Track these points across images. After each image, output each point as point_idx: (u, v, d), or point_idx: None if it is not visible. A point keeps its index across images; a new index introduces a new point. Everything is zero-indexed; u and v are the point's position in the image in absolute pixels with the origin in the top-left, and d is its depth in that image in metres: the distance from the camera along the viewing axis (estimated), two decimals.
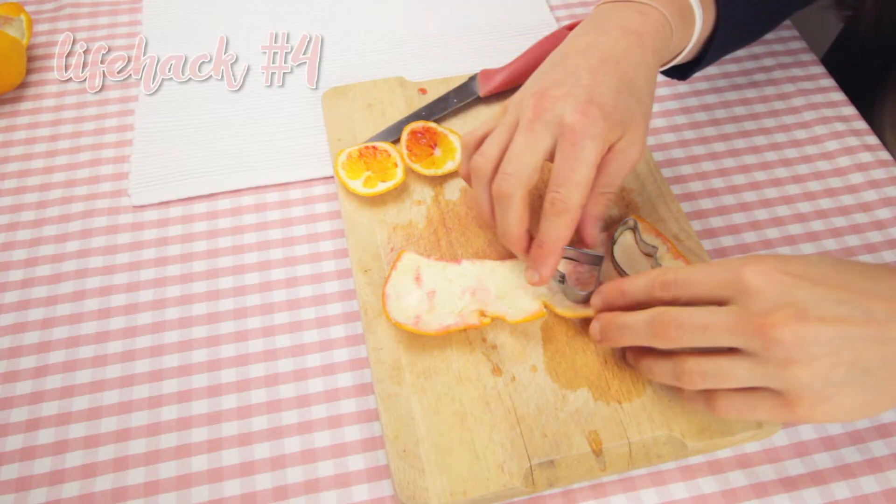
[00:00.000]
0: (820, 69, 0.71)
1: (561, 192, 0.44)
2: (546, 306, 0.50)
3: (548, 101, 0.45)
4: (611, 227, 0.55)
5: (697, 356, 0.41)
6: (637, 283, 0.45)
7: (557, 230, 0.46)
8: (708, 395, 0.42)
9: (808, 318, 0.36)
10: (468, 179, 0.51)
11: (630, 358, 0.48)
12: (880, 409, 0.38)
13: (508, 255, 0.54)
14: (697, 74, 0.60)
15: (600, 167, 0.46)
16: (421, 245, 0.55)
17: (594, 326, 0.47)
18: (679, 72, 0.57)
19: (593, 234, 0.50)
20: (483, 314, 0.49)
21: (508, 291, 0.50)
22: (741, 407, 0.41)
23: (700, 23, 0.50)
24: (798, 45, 0.73)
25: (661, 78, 0.55)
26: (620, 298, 0.46)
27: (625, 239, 0.54)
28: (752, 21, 0.55)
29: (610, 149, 0.45)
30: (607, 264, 0.53)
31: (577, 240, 0.51)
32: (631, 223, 0.54)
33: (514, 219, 0.47)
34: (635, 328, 0.43)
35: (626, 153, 0.46)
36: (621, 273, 0.52)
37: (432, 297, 0.50)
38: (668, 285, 0.42)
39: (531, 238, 0.48)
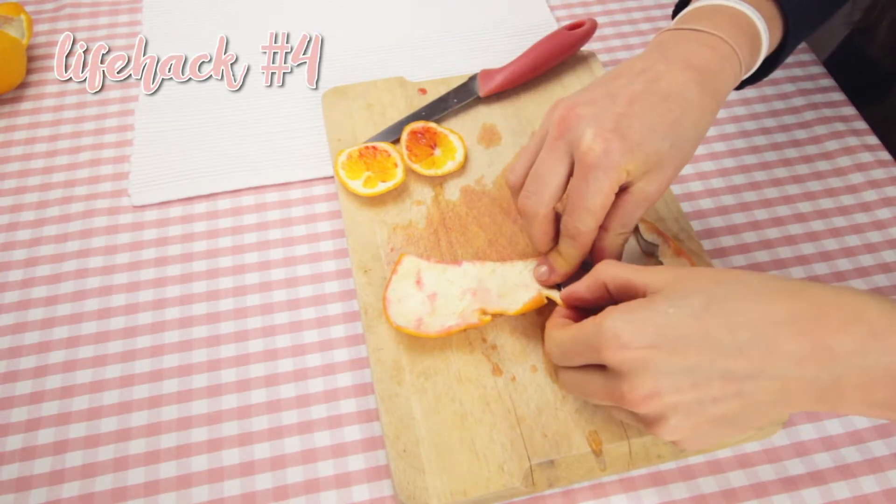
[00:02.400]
0: (820, 69, 0.71)
1: (573, 217, 0.44)
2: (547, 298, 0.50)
3: (573, 119, 0.43)
4: None
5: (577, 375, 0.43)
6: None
7: (570, 251, 0.46)
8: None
9: (664, 393, 0.37)
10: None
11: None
12: (743, 437, 0.41)
13: (509, 256, 0.54)
14: None
15: (616, 206, 0.44)
16: (421, 245, 0.55)
17: None
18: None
19: None
20: (484, 312, 0.49)
21: (509, 290, 0.50)
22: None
23: (766, 50, 0.47)
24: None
25: None
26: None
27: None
28: (811, 20, 0.52)
29: (628, 188, 0.44)
30: None
31: None
32: None
33: (539, 234, 0.47)
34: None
35: (644, 193, 0.44)
36: None
37: (434, 299, 0.50)
38: (554, 358, 0.44)
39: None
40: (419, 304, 0.50)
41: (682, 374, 0.37)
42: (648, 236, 0.53)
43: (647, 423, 0.39)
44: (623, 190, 0.44)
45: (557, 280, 0.48)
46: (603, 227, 0.46)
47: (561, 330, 0.43)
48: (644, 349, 0.37)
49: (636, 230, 0.54)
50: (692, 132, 0.44)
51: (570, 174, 0.44)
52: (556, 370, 0.46)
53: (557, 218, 0.47)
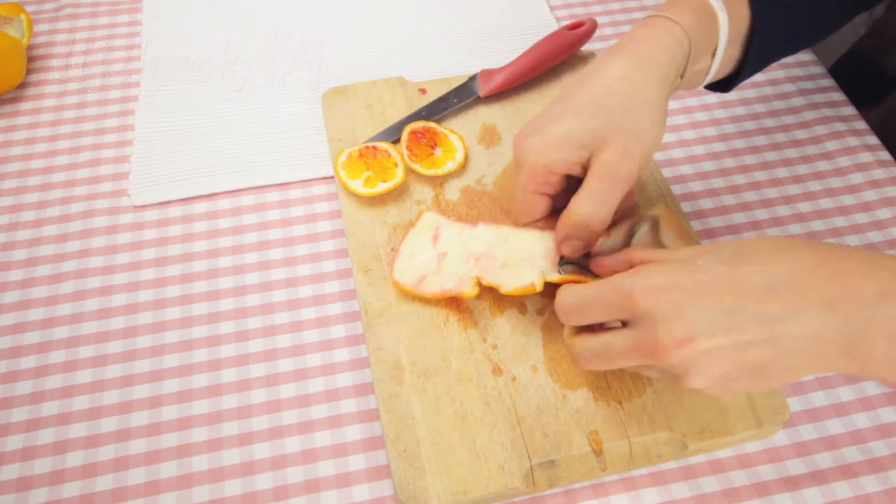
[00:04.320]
0: (820, 69, 0.71)
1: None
2: (547, 281, 0.49)
3: (520, 143, 0.48)
4: (633, 222, 0.53)
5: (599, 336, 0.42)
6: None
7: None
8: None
9: (698, 337, 0.37)
10: None
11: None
12: (770, 387, 0.41)
13: None
14: None
15: (588, 184, 0.46)
16: None
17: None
18: (720, 86, 0.54)
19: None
20: (478, 282, 0.50)
21: (515, 262, 0.50)
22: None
23: (726, 32, 0.48)
24: None
25: None
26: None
27: (644, 235, 0.53)
28: (792, 29, 0.53)
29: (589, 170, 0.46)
30: None
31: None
32: (652, 219, 0.51)
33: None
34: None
35: (608, 167, 0.46)
36: None
37: (443, 258, 0.51)
38: (568, 314, 0.43)
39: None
40: (427, 261, 0.51)
41: (717, 315, 0.37)
42: (666, 238, 0.50)
43: (678, 373, 0.38)
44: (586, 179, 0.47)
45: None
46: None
47: (582, 286, 0.43)
48: (678, 291, 0.37)
49: (657, 227, 0.52)
50: (629, 101, 0.46)
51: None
52: (569, 345, 0.44)
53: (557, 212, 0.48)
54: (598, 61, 0.48)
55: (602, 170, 0.46)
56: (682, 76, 0.48)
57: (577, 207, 0.46)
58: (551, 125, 0.47)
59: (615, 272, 0.44)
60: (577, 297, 0.42)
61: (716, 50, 0.49)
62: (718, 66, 0.50)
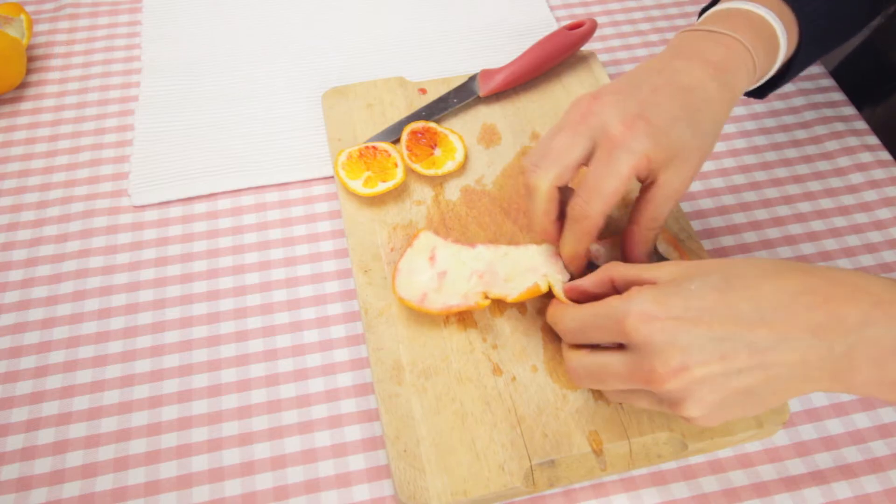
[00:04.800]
0: (820, 69, 0.71)
1: (582, 197, 0.43)
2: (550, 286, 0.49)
3: (597, 105, 0.44)
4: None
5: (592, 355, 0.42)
6: (552, 319, 0.45)
7: (572, 236, 0.45)
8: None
9: (693, 366, 0.37)
10: None
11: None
12: (758, 412, 0.41)
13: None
14: None
15: (645, 199, 0.45)
16: None
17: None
18: (756, 92, 0.54)
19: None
20: (485, 296, 0.50)
21: (518, 274, 0.50)
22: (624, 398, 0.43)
23: (784, 52, 0.48)
24: None
25: None
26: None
27: None
28: (831, 35, 0.53)
29: (654, 182, 0.44)
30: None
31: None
32: None
33: (539, 212, 0.46)
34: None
35: (671, 186, 0.44)
36: None
37: (443, 277, 0.51)
38: (566, 333, 0.43)
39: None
40: (427, 280, 0.51)
41: (710, 344, 0.37)
42: (661, 246, 0.52)
43: (674, 401, 0.38)
44: (650, 184, 0.44)
45: (574, 270, 0.48)
46: (633, 222, 0.46)
47: (579, 306, 0.42)
48: (672, 319, 0.37)
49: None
50: (711, 125, 0.44)
51: (587, 160, 0.44)
52: (566, 358, 0.44)
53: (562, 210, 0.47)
54: (686, 64, 0.45)
55: (666, 189, 0.44)
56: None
57: (646, 218, 0.45)
58: (654, 118, 0.43)
59: (598, 295, 0.44)
60: (576, 319, 0.42)
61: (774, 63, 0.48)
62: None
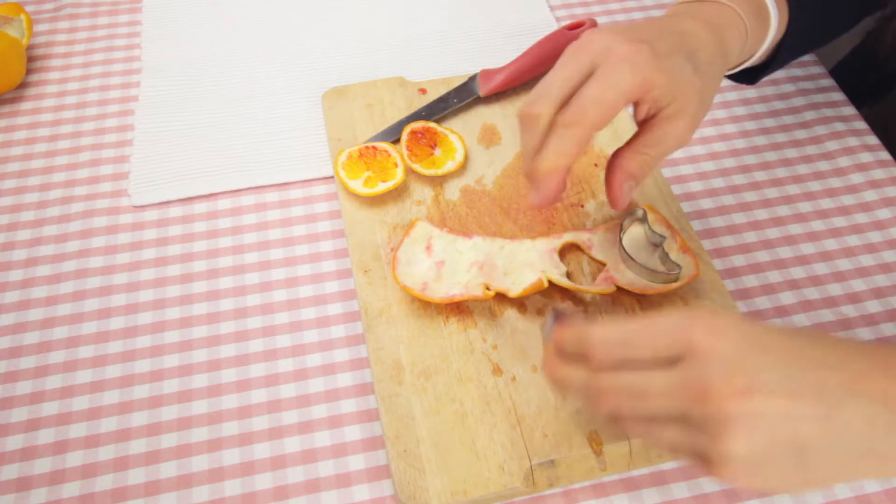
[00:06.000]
0: (820, 69, 0.71)
1: (577, 104, 0.41)
2: (549, 280, 0.51)
3: (599, 34, 0.42)
4: (621, 217, 0.55)
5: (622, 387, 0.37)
6: (576, 341, 0.39)
7: (561, 142, 0.41)
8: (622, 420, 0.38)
9: (756, 392, 0.32)
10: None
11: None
12: (805, 489, 0.36)
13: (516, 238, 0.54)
14: None
15: (644, 129, 0.43)
16: None
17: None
18: (747, 76, 0.54)
19: (621, 193, 0.45)
20: (487, 287, 0.50)
21: (515, 268, 0.51)
22: (656, 443, 0.39)
23: (775, 25, 0.48)
24: None
25: None
26: (570, 348, 0.39)
27: (634, 229, 0.54)
28: (820, 24, 0.53)
29: (657, 114, 0.43)
30: (615, 255, 0.53)
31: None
32: (640, 213, 0.54)
33: (530, 144, 0.43)
34: (572, 384, 0.39)
35: (673, 122, 0.42)
36: (629, 262, 0.52)
37: (441, 266, 0.51)
38: (612, 349, 0.37)
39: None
40: (426, 270, 0.51)
41: (780, 376, 0.33)
42: (657, 227, 0.53)
43: (715, 431, 0.33)
44: (651, 116, 0.43)
45: (551, 194, 0.43)
46: (629, 146, 0.44)
47: (612, 325, 0.37)
48: (742, 340, 0.34)
49: (645, 219, 0.53)
50: (708, 67, 0.44)
51: (582, 83, 0.42)
52: (565, 371, 0.39)
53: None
54: (682, 20, 0.45)
55: (668, 125, 0.43)
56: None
57: (642, 148, 0.44)
58: (657, 46, 0.42)
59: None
60: (621, 331, 0.37)
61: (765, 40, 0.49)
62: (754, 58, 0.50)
